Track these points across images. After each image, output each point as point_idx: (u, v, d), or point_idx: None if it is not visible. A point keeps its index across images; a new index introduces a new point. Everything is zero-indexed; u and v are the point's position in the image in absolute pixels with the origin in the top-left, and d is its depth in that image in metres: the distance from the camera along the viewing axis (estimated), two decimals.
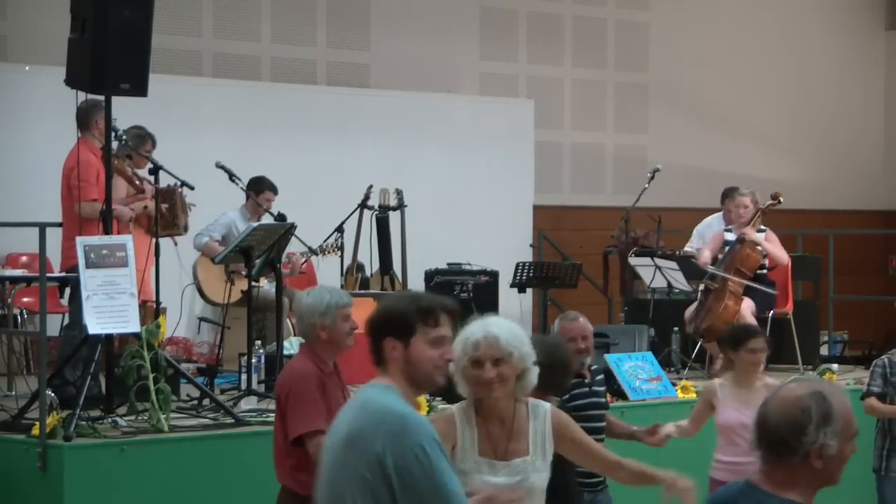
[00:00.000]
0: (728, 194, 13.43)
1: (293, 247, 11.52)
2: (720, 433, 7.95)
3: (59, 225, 9.31)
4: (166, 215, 10.54)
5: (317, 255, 12.11)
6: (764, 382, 7.91)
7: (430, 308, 4.42)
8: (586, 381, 7.30)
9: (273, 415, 9.01)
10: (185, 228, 10.89)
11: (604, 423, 7.36)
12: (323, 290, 6.59)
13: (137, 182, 10.37)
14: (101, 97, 9.16)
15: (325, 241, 12.32)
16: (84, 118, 9.65)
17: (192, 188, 10.49)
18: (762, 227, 12.28)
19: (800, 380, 3.90)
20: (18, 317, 11.47)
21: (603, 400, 7.46)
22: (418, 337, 4.39)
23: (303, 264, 12.16)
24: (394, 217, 13.28)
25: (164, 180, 10.24)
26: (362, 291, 12.69)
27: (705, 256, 12.24)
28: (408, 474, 4.17)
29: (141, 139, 10.65)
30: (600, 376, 7.54)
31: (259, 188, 11.81)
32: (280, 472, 6.49)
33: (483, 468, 5.18)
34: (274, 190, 11.90)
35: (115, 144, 9.58)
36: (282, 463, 6.48)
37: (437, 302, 4.48)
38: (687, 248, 13.30)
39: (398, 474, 4.16)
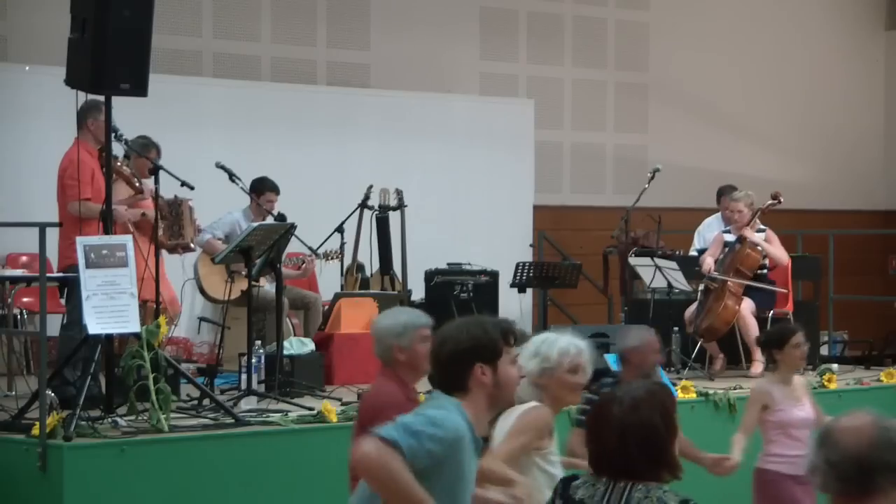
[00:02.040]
0: (724, 192, 13.45)
1: (293, 247, 11.52)
2: (774, 430, 8.10)
3: (59, 225, 9.32)
4: (173, 226, 10.55)
5: (320, 258, 12.12)
6: (797, 378, 8.32)
7: (509, 330, 4.62)
8: None
9: (274, 414, 9.11)
10: (193, 242, 10.87)
11: None
12: (399, 310, 6.48)
13: (137, 184, 10.36)
14: (99, 97, 9.17)
15: (328, 248, 12.32)
16: (79, 118, 9.67)
17: (191, 188, 10.48)
18: (762, 226, 12.28)
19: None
20: (18, 317, 11.46)
21: None
22: (504, 359, 4.57)
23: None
24: (394, 217, 13.28)
25: (164, 181, 10.24)
26: (362, 291, 12.70)
27: (707, 263, 12.24)
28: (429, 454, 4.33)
29: (146, 148, 10.67)
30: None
31: (260, 189, 11.81)
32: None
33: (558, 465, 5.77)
34: (276, 190, 11.90)
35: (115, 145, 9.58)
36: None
37: (507, 322, 4.71)
38: (692, 252, 13.30)
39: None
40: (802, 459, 7.63)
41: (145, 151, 10.61)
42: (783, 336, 8.25)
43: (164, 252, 10.71)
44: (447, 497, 4.43)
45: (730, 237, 12.31)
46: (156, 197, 9.99)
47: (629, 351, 7.57)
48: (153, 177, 9.99)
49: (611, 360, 10.71)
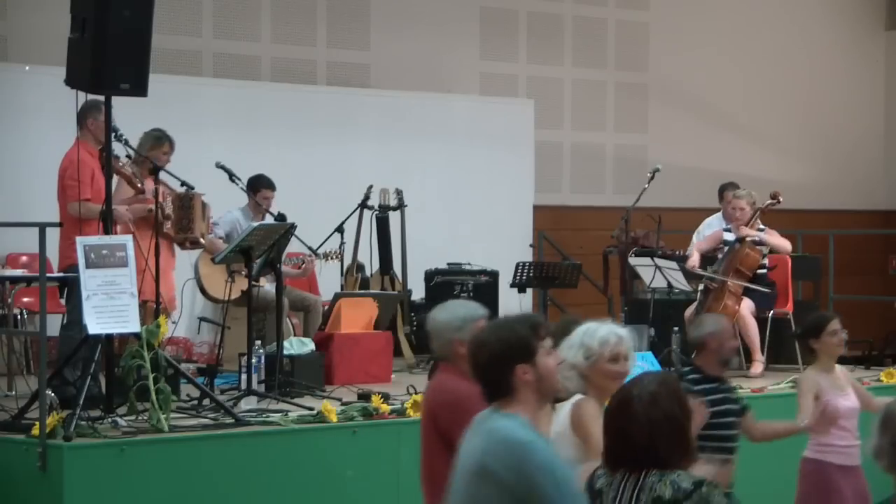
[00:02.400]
0: (726, 188, 13.44)
1: (293, 247, 11.51)
2: (823, 420, 7.96)
3: (59, 225, 9.32)
4: (182, 220, 10.54)
5: (320, 258, 12.12)
6: (838, 367, 8.28)
7: (538, 323, 4.67)
8: (724, 384, 7.53)
9: (274, 414, 9.10)
10: (203, 237, 10.85)
11: (739, 431, 7.48)
12: (455, 304, 6.29)
13: (139, 184, 10.36)
14: (99, 97, 9.17)
15: (327, 248, 12.32)
16: (79, 119, 9.67)
17: (191, 188, 10.49)
18: (761, 226, 12.27)
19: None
20: (18, 317, 11.46)
21: (737, 407, 7.54)
22: (540, 353, 4.61)
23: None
24: (394, 217, 13.28)
25: (164, 180, 10.25)
26: (362, 291, 12.70)
27: (694, 259, 12.26)
28: (538, 498, 4.32)
29: (158, 140, 10.67)
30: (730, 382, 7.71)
31: (256, 186, 11.81)
32: (434, 494, 5.99)
33: None
34: (271, 186, 11.89)
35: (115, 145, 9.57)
36: (438, 485, 5.86)
37: (535, 316, 4.80)
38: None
39: (529, 498, 4.33)
40: (849, 449, 7.95)
41: (158, 144, 10.62)
42: (819, 324, 8.20)
43: (177, 249, 10.75)
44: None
45: (730, 236, 12.30)
46: (156, 197, 9.99)
47: (706, 337, 7.54)
48: (154, 176, 9.99)
49: None
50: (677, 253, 13.26)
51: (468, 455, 4.56)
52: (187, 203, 10.57)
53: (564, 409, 5.79)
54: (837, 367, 8.26)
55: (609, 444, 4.26)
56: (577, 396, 5.80)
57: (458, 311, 6.15)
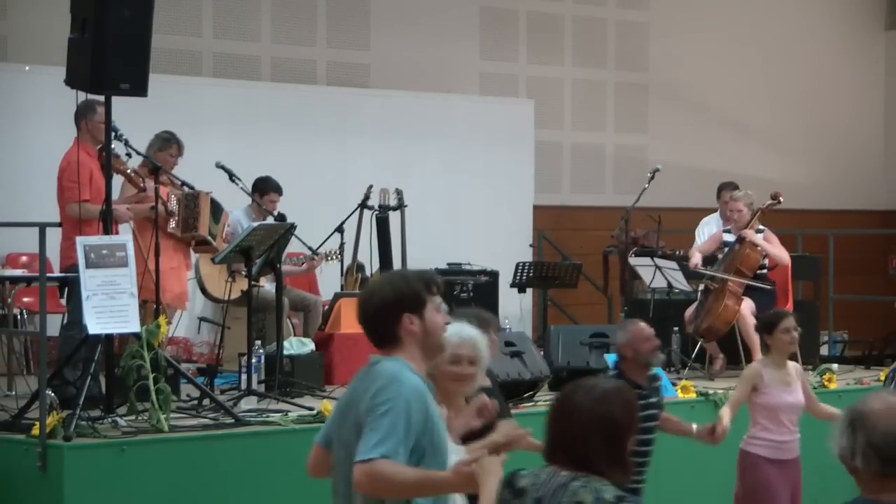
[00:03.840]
0: (724, 188, 13.45)
1: (293, 247, 11.52)
2: (761, 413, 8.35)
3: (59, 225, 9.32)
4: (188, 219, 10.55)
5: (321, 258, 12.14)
6: (791, 364, 8.54)
7: (432, 279, 4.84)
8: (644, 391, 7.46)
9: (274, 414, 9.10)
10: (215, 238, 10.84)
11: (655, 436, 7.54)
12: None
13: (141, 183, 10.36)
14: (94, 97, 9.17)
15: (327, 248, 12.32)
16: (76, 119, 9.67)
17: (191, 188, 10.49)
18: (760, 227, 12.27)
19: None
20: (18, 317, 11.46)
21: (657, 412, 7.59)
22: (428, 307, 4.76)
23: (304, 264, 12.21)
24: (394, 217, 13.27)
25: (165, 181, 10.25)
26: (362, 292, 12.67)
27: (696, 259, 12.27)
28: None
29: (166, 142, 10.70)
30: (656, 383, 7.71)
31: (264, 189, 11.82)
32: None
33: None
34: (279, 191, 11.91)
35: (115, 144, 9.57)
36: None
37: (430, 273, 4.96)
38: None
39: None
40: (785, 444, 8.17)
41: (166, 146, 10.64)
42: (773, 321, 8.51)
43: (191, 253, 10.77)
44: (436, 446, 4.67)
45: (729, 237, 12.30)
46: (156, 196, 9.99)
47: (621, 346, 7.54)
48: (154, 176, 9.99)
49: (610, 359, 10.72)
50: (677, 253, 13.26)
51: (350, 394, 4.75)
52: (192, 202, 10.58)
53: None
54: (791, 364, 8.53)
55: (548, 431, 4.22)
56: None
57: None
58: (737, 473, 8.44)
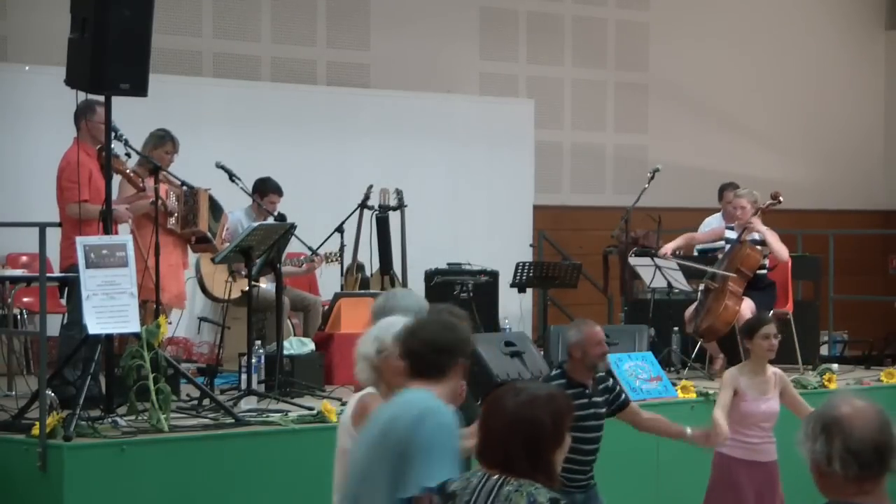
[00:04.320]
0: (725, 188, 13.44)
1: (293, 247, 11.52)
2: (734, 416, 8.25)
3: (59, 225, 9.32)
4: (187, 216, 10.55)
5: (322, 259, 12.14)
6: (772, 370, 8.47)
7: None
8: (588, 390, 7.43)
9: (274, 414, 9.10)
10: (215, 236, 10.82)
11: (600, 434, 7.48)
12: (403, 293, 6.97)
13: (141, 182, 10.36)
14: (95, 97, 9.16)
15: (327, 249, 12.31)
16: (76, 119, 9.67)
17: (192, 188, 10.49)
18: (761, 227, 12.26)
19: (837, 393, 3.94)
20: (18, 317, 11.46)
21: (602, 410, 7.53)
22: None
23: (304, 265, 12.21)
24: (394, 217, 13.28)
25: (165, 179, 10.25)
26: (362, 291, 12.69)
27: (665, 248, 12.25)
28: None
29: (161, 140, 10.68)
30: (603, 384, 7.62)
31: (264, 190, 11.82)
32: None
33: None
34: (279, 192, 11.90)
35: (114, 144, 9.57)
36: None
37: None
38: (694, 252, 13.28)
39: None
40: (759, 446, 8.18)
41: (161, 143, 10.62)
42: (754, 327, 8.45)
43: (189, 251, 10.76)
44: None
45: (731, 234, 12.28)
46: (156, 196, 9.99)
47: (571, 345, 7.45)
48: (154, 175, 9.99)
49: (611, 360, 10.72)
50: (677, 253, 13.25)
51: (378, 419, 5.05)
52: (191, 199, 10.57)
53: (353, 399, 5.84)
54: (772, 370, 8.46)
55: (479, 433, 4.21)
56: (367, 390, 5.77)
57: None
58: (710, 474, 8.47)
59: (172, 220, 10.51)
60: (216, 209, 10.91)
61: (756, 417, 8.29)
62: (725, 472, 8.35)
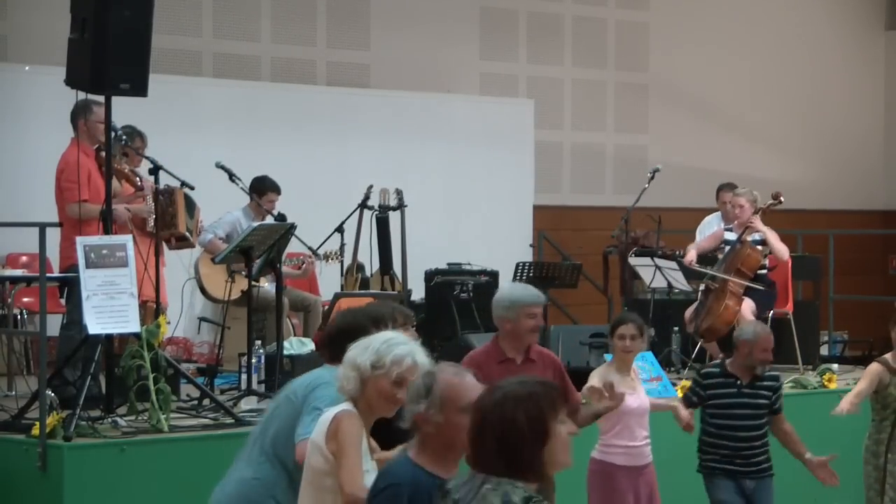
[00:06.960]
0: (723, 188, 13.44)
1: (293, 247, 11.51)
2: (610, 419, 8.05)
3: (59, 225, 9.32)
4: (164, 216, 10.51)
5: (320, 259, 12.12)
6: (633, 368, 8.44)
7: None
8: (740, 382, 8.29)
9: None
10: (192, 234, 10.78)
11: (754, 423, 8.30)
12: (515, 286, 7.61)
13: (139, 182, 10.35)
14: (93, 97, 9.16)
15: (328, 249, 12.31)
16: (73, 119, 9.67)
17: (192, 188, 10.47)
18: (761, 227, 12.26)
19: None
20: (18, 317, 11.46)
21: (759, 402, 8.34)
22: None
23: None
24: (394, 217, 13.28)
25: (164, 180, 10.23)
26: (362, 291, 12.69)
27: (690, 255, 12.25)
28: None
29: (130, 137, 10.63)
30: (770, 383, 8.41)
31: (261, 189, 11.79)
32: None
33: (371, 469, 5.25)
34: (277, 190, 11.88)
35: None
36: None
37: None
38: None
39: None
40: (635, 450, 8.14)
41: (130, 140, 10.53)
42: (613, 325, 8.30)
43: (165, 250, 10.71)
44: None
45: (731, 235, 12.28)
46: (155, 196, 9.99)
47: (740, 341, 8.21)
48: (153, 175, 9.98)
49: (611, 360, 10.70)
50: (677, 253, 13.26)
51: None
52: (168, 198, 10.49)
53: (327, 414, 5.29)
54: (636, 366, 8.47)
55: (468, 431, 4.21)
56: (343, 406, 5.24)
57: (513, 292, 7.54)
58: (587, 482, 8.21)
59: (150, 222, 10.42)
60: (190, 205, 10.81)
61: (630, 414, 8.07)
62: (604, 479, 8.15)
